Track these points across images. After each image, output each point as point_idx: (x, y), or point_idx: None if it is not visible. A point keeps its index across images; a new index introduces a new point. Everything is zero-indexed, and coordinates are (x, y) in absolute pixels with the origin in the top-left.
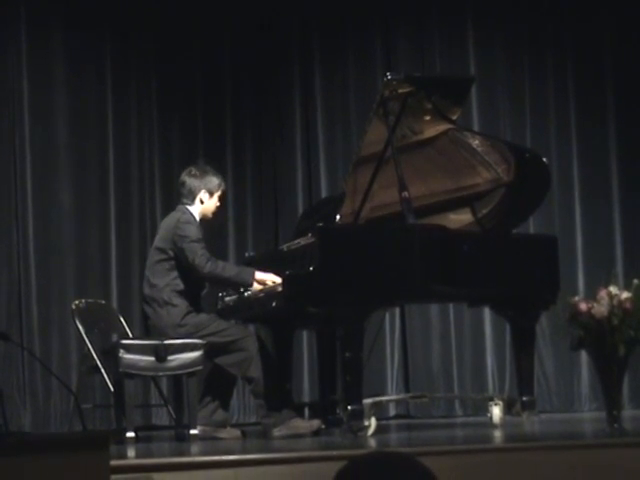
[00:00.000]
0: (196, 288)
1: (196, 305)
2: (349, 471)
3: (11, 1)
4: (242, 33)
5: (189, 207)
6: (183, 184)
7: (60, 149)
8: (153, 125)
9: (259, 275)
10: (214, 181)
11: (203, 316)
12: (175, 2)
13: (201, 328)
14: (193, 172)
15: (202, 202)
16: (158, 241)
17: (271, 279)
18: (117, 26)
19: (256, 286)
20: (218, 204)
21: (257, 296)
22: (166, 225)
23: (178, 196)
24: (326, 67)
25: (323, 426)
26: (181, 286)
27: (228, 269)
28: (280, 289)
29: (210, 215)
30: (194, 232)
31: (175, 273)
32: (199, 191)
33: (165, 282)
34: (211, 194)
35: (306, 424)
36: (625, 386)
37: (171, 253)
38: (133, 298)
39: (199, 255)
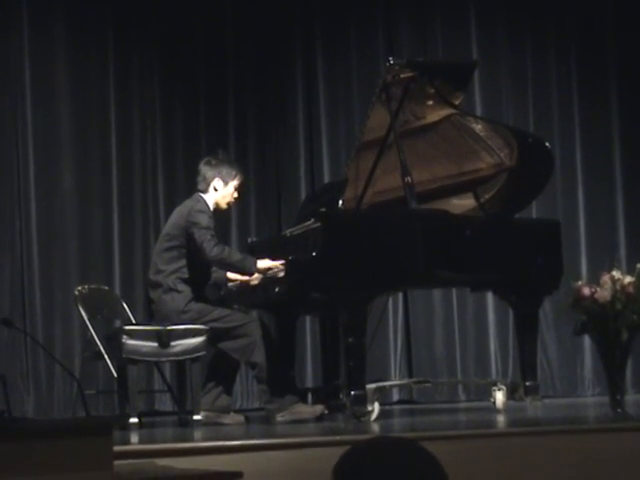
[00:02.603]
0: (202, 278)
1: (200, 294)
2: (352, 456)
3: None
4: (244, 21)
5: (203, 195)
6: (199, 172)
7: (62, 136)
8: (155, 112)
9: (261, 264)
10: (229, 170)
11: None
12: None
13: (205, 314)
14: (210, 161)
15: (216, 190)
16: (169, 227)
17: (272, 265)
18: (119, 12)
19: (257, 276)
20: (235, 195)
21: (260, 282)
22: (179, 212)
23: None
24: (328, 53)
25: (326, 411)
26: (187, 275)
27: (233, 255)
28: (283, 274)
29: (225, 205)
30: (205, 220)
31: (183, 261)
32: (212, 179)
33: (172, 269)
34: (225, 183)
35: (309, 409)
36: (628, 370)
37: (182, 240)
38: (136, 284)
39: (207, 240)
